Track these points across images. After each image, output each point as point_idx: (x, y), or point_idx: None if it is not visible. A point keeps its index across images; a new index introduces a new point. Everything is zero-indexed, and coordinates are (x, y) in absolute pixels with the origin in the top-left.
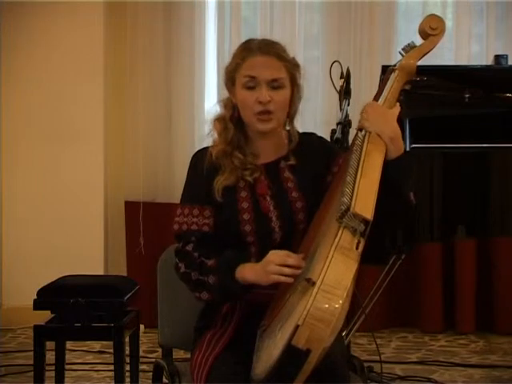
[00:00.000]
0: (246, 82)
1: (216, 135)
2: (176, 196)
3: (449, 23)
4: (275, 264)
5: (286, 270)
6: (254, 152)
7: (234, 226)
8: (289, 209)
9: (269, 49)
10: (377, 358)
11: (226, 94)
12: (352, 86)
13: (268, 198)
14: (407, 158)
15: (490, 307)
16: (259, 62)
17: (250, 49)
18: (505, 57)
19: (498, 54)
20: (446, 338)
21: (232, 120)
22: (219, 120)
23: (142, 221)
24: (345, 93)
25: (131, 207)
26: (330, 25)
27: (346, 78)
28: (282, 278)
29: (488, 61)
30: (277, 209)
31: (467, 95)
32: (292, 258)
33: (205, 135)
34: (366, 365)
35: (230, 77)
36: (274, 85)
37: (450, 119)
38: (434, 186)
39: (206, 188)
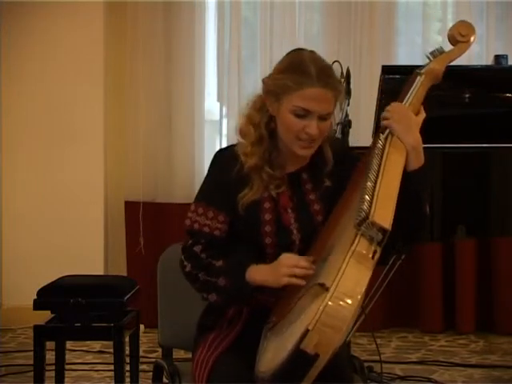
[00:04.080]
0: (297, 111)
1: (245, 137)
2: (176, 196)
3: (449, 23)
4: (287, 267)
5: (298, 272)
6: (281, 163)
7: (255, 237)
8: (310, 222)
9: (328, 80)
10: (377, 358)
11: (226, 92)
12: (352, 85)
13: (289, 211)
14: (426, 169)
15: (490, 307)
16: (316, 96)
17: (307, 75)
18: (505, 57)
19: (497, 54)
20: (445, 337)
21: (267, 129)
22: (254, 125)
23: (141, 221)
24: (345, 93)
25: (131, 207)
26: (329, 25)
27: (346, 78)
28: (293, 280)
29: (488, 61)
30: (297, 222)
31: (467, 95)
32: (304, 263)
33: (206, 135)
34: (366, 365)
35: (276, 93)
36: (324, 117)
37: (450, 119)
38: (434, 186)
39: (230, 197)
